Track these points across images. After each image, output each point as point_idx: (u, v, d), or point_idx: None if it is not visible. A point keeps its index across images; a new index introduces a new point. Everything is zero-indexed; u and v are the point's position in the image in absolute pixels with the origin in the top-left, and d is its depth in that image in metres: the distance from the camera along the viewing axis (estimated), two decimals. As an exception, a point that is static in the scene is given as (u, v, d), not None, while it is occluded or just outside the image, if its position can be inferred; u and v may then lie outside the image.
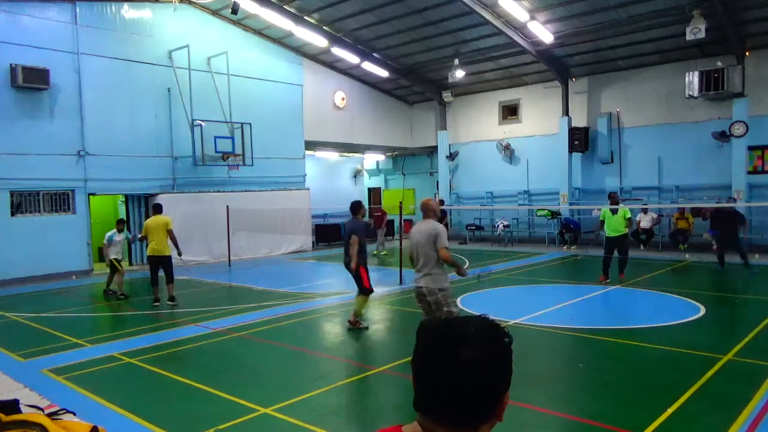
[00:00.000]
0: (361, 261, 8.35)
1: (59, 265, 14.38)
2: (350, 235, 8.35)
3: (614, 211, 11.66)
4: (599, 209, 18.29)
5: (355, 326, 8.34)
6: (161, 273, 10.59)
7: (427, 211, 6.19)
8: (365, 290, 8.38)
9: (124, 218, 13.74)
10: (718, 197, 16.21)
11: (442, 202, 18.57)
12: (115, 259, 11.51)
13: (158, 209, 10.98)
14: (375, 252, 18.31)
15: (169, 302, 10.56)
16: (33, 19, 14.09)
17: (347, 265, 8.50)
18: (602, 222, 11.90)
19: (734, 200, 14.57)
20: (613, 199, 12.01)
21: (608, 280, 11.59)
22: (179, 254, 10.86)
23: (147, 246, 10.73)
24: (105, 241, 11.61)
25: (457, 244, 20.08)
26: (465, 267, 7.22)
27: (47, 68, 13.96)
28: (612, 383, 5.89)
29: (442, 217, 17.09)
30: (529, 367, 6.15)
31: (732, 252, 12.86)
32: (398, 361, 6.69)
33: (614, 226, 11.67)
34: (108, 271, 11.89)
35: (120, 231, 11.73)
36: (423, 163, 26.26)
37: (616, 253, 11.76)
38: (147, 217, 16.46)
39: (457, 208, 22.43)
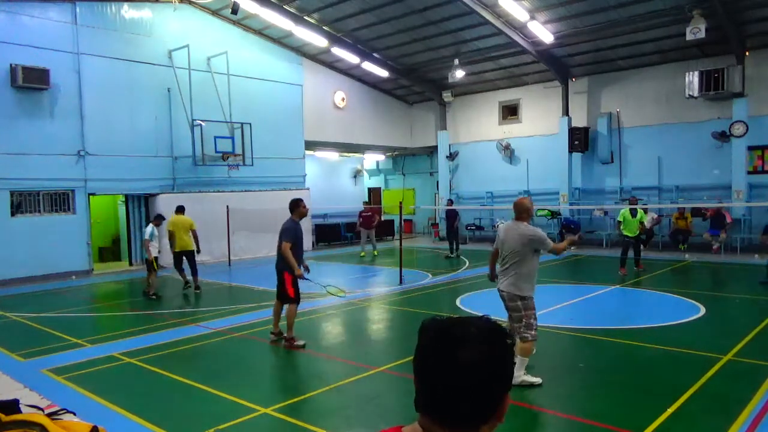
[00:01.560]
0: (287, 267, 7.45)
1: (59, 265, 14.38)
2: (279, 239, 7.54)
3: (633, 213, 12.67)
4: (599, 209, 18.42)
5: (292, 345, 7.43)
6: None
7: (521, 211, 5.78)
8: (289, 299, 7.50)
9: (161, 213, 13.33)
10: (718, 197, 16.23)
11: (451, 202, 18.54)
12: (156, 258, 11.48)
13: (181, 210, 12.07)
14: (362, 254, 18.19)
15: (196, 290, 11.82)
16: (33, 19, 14.09)
17: (277, 270, 7.66)
18: (620, 222, 12.93)
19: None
20: (633, 201, 13.06)
21: (627, 274, 12.68)
22: (198, 251, 12.15)
23: (171, 243, 11.86)
24: (147, 237, 11.45)
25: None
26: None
27: (47, 68, 13.96)
28: (612, 383, 5.89)
29: (451, 218, 17.16)
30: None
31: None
32: (398, 361, 6.70)
33: (632, 228, 12.80)
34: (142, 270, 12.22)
35: (158, 226, 11.74)
36: (423, 163, 26.26)
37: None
38: (147, 217, 16.55)
39: (457, 208, 22.42)
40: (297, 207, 7.80)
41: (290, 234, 7.52)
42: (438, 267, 15.02)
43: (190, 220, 11.97)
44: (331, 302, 10.51)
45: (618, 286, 11.31)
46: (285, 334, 7.53)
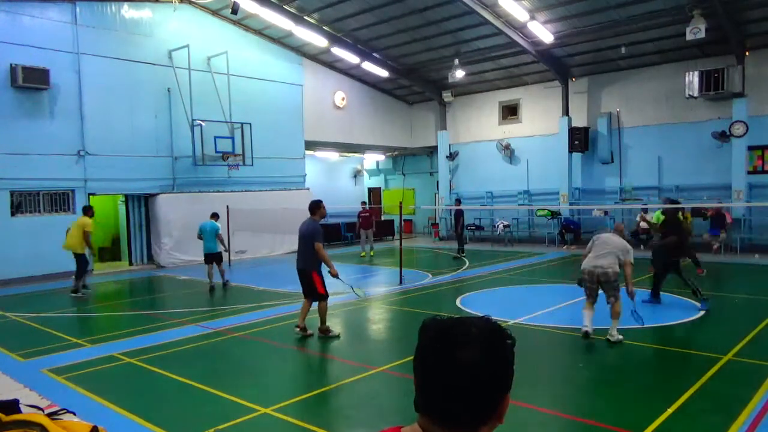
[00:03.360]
0: (316, 266, 7.84)
1: (59, 265, 14.34)
2: (311, 240, 7.79)
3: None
4: (599, 209, 18.42)
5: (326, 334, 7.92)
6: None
7: (620, 231, 7.77)
8: (320, 296, 7.89)
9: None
10: (718, 198, 16.22)
11: (459, 202, 18.50)
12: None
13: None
14: (362, 254, 18.25)
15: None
16: (33, 19, 14.09)
17: (301, 271, 7.95)
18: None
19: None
20: (668, 202, 11.59)
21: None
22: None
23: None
24: (220, 232, 12.41)
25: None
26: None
27: (47, 68, 13.96)
28: (612, 383, 5.89)
29: (458, 217, 17.17)
30: (529, 367, 6.15)
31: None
32: (398, 361, 6.70)
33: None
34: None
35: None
36: (423, 163, 26.26)
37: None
38: (147, 217, 16.58)
39: (457, 207, 22.41)
40: (318, 208, 8.12)
41: (320, 234, 7.91)
42: (438, 267, 15.01)
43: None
44: (331, 302, 10.51)
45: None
46: (319, 326, 7.97)
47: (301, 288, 8.08)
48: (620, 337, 7.18)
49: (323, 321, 7.97)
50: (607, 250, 7.45)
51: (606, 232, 8.01)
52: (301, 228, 8.05)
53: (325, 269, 7.96)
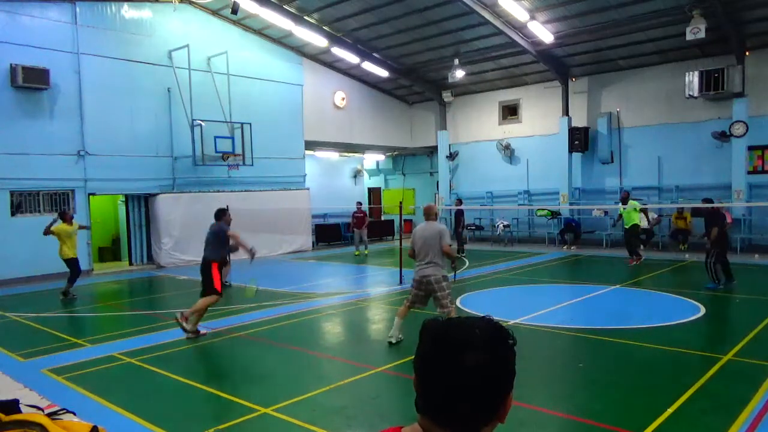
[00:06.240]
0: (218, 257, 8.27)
1: (59, 265, 14.30)
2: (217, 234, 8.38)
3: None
4: (599, 209, 18.41)
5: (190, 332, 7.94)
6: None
7: (430, 214, 7.38)
8: (214, 291, 8.12)
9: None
10: (718, 198, 16.20)
11: (460, 202, 18.61)
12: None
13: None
14: (356, 253, 18.41)
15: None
16: (33, 19, 14.09)
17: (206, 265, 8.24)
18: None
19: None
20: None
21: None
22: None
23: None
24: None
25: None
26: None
27: (47, 68, 13.96)
28: (612, 383, 5.89)
29: (459, 217, 17.31)
30: (529, 367, 6.15)
31: None
32: (398, 361, 6.70)
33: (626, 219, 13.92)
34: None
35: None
36: (423, 163, 26.26)
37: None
38: (147, 217, 16.58)
39: (457, 208, 22.42)
40: (224, 215, 8.84)
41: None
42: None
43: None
44: (331, 302, 10.52)
45: (618, 286, 11.31)
46: (185, 312, 8.08)
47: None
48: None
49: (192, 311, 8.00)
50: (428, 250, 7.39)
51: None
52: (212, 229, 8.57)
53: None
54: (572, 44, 17.36)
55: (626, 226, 14.27)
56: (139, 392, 5.95)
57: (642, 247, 15.16)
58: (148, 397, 5.77)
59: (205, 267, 8.19)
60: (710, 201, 11.84)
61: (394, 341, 7.32)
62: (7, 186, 13.69)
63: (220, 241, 8.32)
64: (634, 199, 15.16)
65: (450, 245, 7.22)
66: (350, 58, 19.87)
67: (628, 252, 14.49)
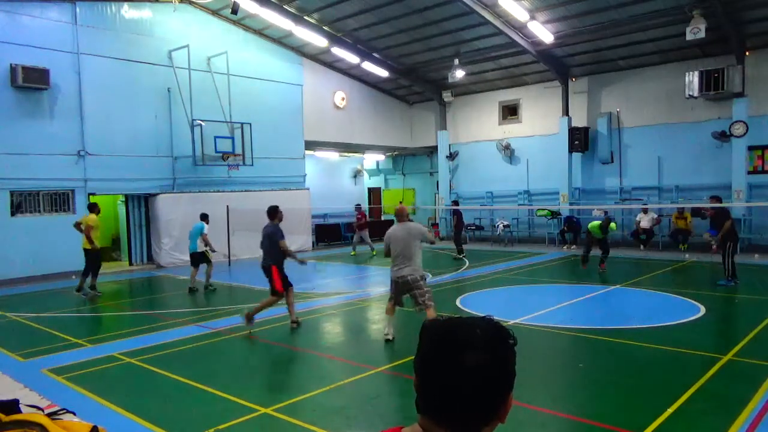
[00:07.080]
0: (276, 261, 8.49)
1: (59, 265, 14.36)
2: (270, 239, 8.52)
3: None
4: (599, 209, 18.40)
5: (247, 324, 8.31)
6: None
7: (403, 215, 7.49)
8: (276, 292, 8.41)
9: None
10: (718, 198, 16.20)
11: (456, 203, 18.62)
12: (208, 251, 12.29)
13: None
14: (353, 253, 18.54)
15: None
16: (33, 19, 14.09)
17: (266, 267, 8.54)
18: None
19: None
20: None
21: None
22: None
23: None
24: (207, 232, 12.25)
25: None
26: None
27: (47, 68, 13.96)
28: (612, 383, 5.88)
29: (458, 218, 17.30)
30: (529, 367, 6.15)
31: None
32: (398, 361, 6.70)
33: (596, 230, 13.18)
34: (190, 267, 12.40)
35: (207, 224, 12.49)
36: (423, 163, 26.26)
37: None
38: (147, 217, 16.58)
39: (457, 208, 22.43)
40: (277, 213, 8.85)
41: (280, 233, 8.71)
42: (438, 267, 15.00)
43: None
44: (331, 302, 10.51)
45: (618, 286, 11.31)
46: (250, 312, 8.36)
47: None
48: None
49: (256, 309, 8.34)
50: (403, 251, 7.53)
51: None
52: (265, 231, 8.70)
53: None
54: (572, 44, 17.35)
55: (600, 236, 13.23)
56: (139, 392, 5.95)
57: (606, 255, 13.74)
58: (148, 397, 5.77)
59: (266, 270, 8.49)
60: (719, 199, 11.98)
61: (390, 338, 7.46)
62: (7, 186, 13.69)
63: (275, 243, 8.48)
64: (634, 199, 15.13)
65: (431, 232, 7.61)
66: (350, 58, 19.87)
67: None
